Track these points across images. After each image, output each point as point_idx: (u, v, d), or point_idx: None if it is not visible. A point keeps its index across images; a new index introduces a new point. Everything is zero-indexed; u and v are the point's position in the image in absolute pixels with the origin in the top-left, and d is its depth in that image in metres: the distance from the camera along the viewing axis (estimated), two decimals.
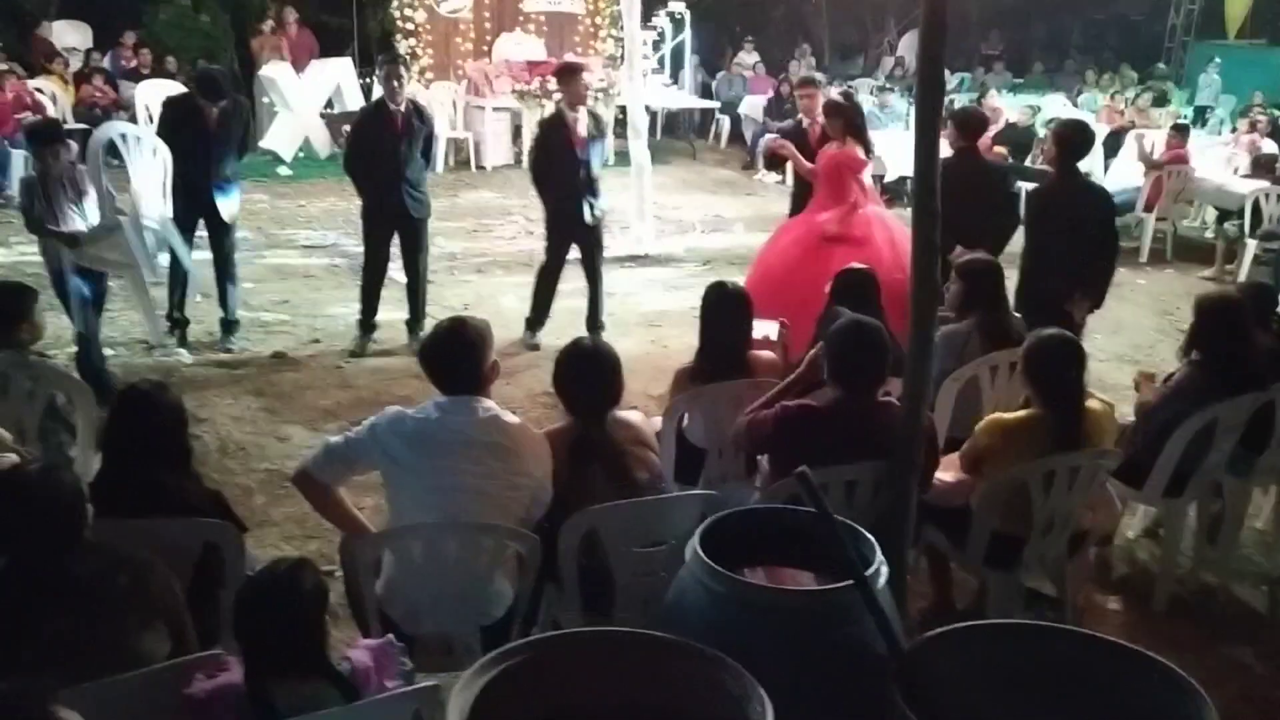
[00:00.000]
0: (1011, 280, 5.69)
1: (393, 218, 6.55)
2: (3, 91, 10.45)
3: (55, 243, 5.54)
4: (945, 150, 6.34)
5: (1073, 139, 5.40)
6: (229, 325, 6.68)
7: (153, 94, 11.00)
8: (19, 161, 10.19)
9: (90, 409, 3.84)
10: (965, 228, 5.41)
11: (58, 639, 2.27)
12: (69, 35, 14.15)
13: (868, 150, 6.21)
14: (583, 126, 6.53)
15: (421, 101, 6.95)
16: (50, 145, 5.53)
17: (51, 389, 3.91)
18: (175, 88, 7.25)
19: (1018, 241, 5.58)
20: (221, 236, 6.50)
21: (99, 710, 1.91)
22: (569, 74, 6.72)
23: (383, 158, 6.38)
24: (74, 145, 5.98)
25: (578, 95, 6.61)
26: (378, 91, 6.68)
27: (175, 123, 6.39)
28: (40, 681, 1.83)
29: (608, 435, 3.23)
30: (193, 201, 6.34)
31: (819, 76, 8.11)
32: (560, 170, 6.56)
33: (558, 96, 7.04)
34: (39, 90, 11.39)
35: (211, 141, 6.22)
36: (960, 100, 14.22)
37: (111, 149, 6.44)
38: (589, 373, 3.28)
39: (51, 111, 11.15)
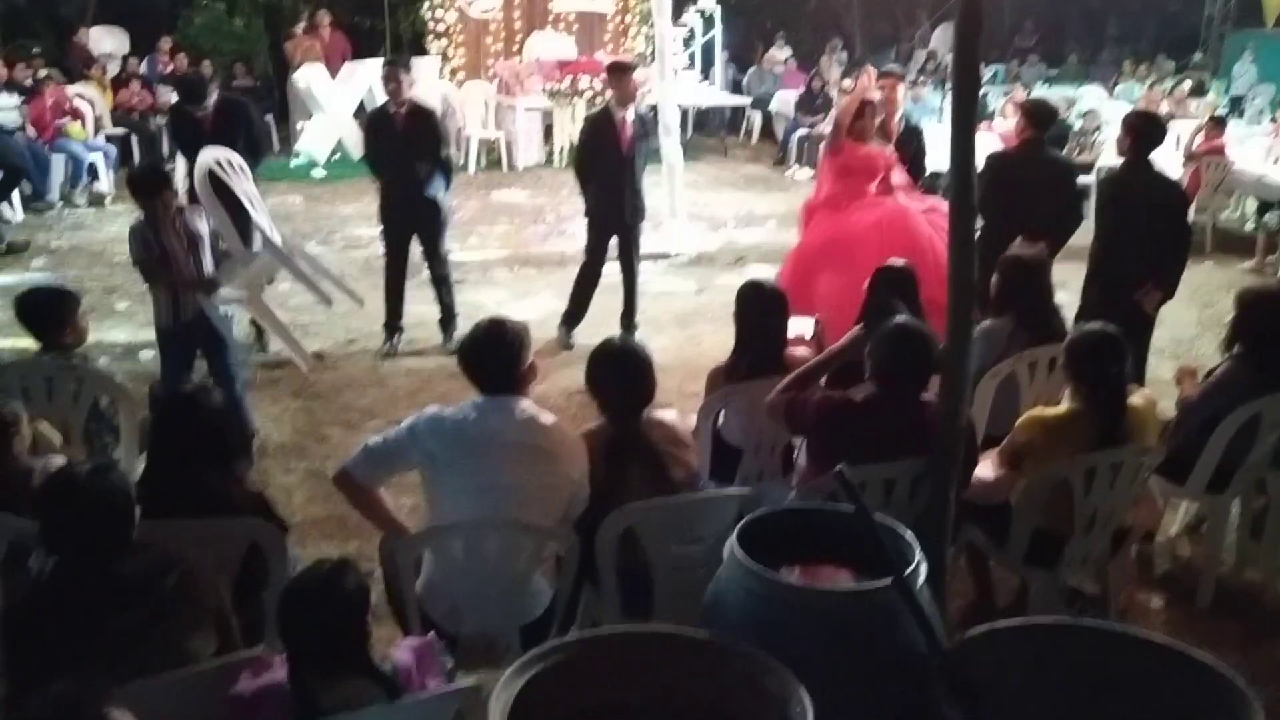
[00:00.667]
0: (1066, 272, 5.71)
1: (405, 219, 6.54)
2: (42, 97, 10.59)
3: (184, 294, 5.05)
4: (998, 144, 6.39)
5: (1146, 129, 5.37)
6: (263, 331, 6.69)
7: None
8: (60, 165, 10.37)
9: (133, 412, 3.91)
10: (1027, 220, 5.39)
11: (106, 639, 2.31)
12: (106, 41, 14.33)
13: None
14: (630, 125, 6.53)
15: (426, 104, 6.85)
16: (159, 194, 4.97)
17: (96, 392, 3.97)
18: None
19: (1085, 235, 5.57)
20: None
21: (147, 708, 1.94)
22: (618, 72, 6.72)
23: (389, 160, 6.40)
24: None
25: (627, 93, 6.61)
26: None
27: (176, 129, 6.45)
28: (94, 682, 1.86)
29: (642, 434, 3.24)
30: None
31: (897, 68, 8.11)
32: (604, 167, 6.58)
33: (608, 94, 6.98)
34: (79, 95, 11.54)
35: (205, 143, 6.12)
36: (993, 93, 14.09)
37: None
38: (621, 372, 3.29)
39: (90, 116, 11.30)
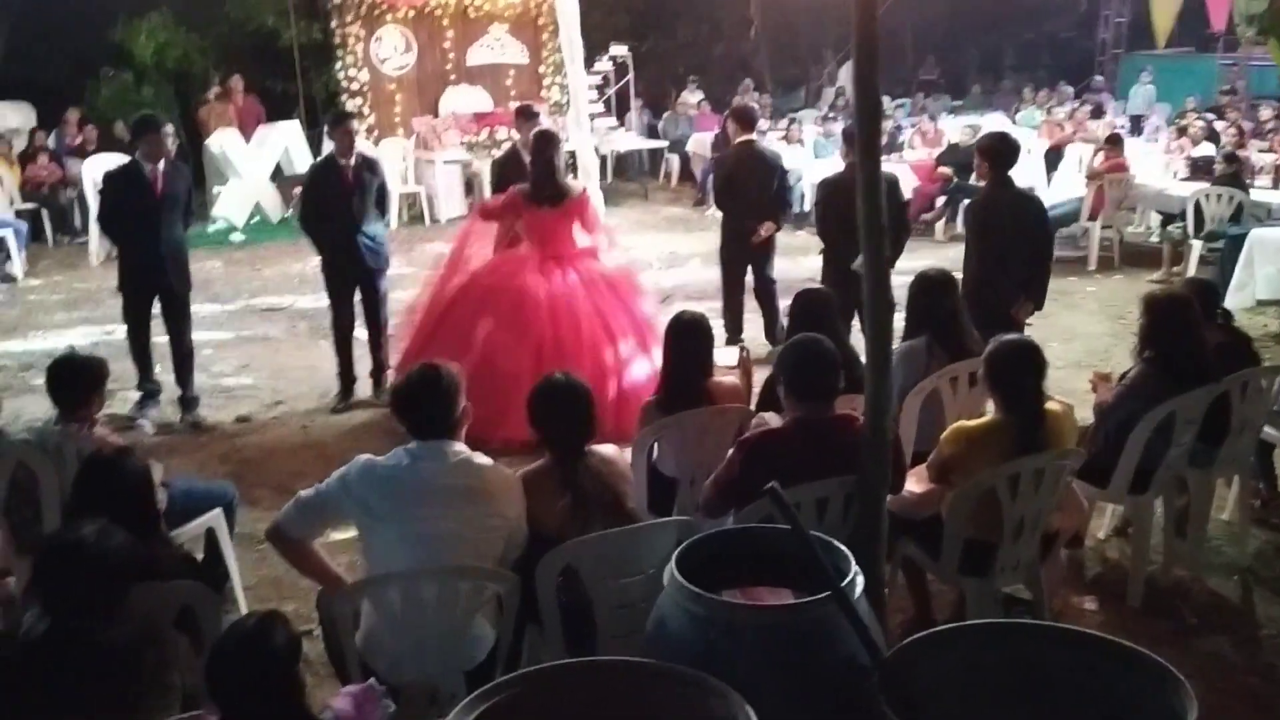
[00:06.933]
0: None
1: (352, 271, 6.55)
2: None
3: None
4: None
5: (998, 149, 5.58)
6: (188, 403, 6.51)
7: (99, 169, 10.93)
8: None
9: (52, 480, 3.79)
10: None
11: (81, 706, 2.30)
12: (11, 117, 14.06)
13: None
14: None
15: (371, 155, 6.96)
16: (89, 400, 4.08)
17: (13, 464, 3.85)
18: (123, 159, 7.09)
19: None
20: (179, 310, 6.37)
21: None
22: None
23: (336, 213, 6.41)
24: None
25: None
26: (327, 147, 6.72)
27: (118, 194, 6.23)
28: None
29: (595, 469, 3.24)
30: (146, 277, 6.22)
31: (535, 107, 8.09)
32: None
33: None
34: None
35: (162, 207, 6.10)
36: (905, 125, 14.48)
37: None
38: (564, 407, 3.29)
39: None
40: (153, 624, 2.53)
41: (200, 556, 3.77)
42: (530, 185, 6.10)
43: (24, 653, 2.39)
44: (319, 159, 7.18)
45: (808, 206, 11.22)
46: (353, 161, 6.43)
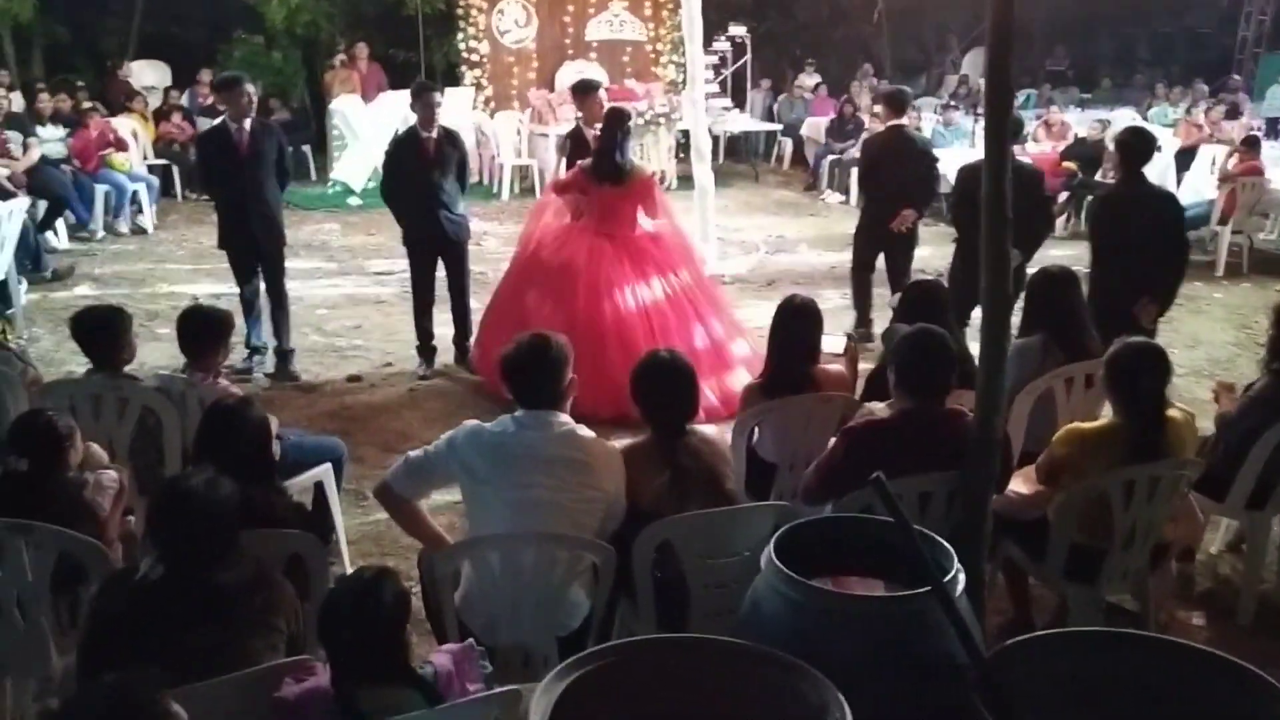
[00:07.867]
0: None
1: (432, 243, 6.60)
2: (87, 129, 10.82)
3: None
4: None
5: (1136, 145, 5.42)
6: (283, 356, 6.70)
7: None
8: (101, 196, 10.57)
9: (176, 427, 3.96)
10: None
11: (190, 647, 2.39)
12: (147, 74, 14.65)
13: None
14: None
15: (453, 129, 6.86)
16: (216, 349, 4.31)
17: (140, 408, 4.03)
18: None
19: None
20: (272, 267, 6.55)
21: (194, 710, 1.97)
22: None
23: (417, 184, 6.44)
24: None
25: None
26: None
27: (210, 156, 6.49)
28: (150, 674, 1.90)
29: (695, 448, 3.26)
30: (238, 235, 6.43)
31: (592, 80, 7.93)
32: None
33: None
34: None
35: (244, 164, 6.24)
36: (1026, 117, 14.06)
37: None
38: (667, 385, 3.31)
39: (134, 148, 11.52)
40: (264, 568, 2.63)
41: (308, 508, 3.88)
42: (593, 161, 6.11)
43: (142, 593, 2.50)
44: (401, 131, 7.23)
45: None
46: (434, 134, 6.41)
